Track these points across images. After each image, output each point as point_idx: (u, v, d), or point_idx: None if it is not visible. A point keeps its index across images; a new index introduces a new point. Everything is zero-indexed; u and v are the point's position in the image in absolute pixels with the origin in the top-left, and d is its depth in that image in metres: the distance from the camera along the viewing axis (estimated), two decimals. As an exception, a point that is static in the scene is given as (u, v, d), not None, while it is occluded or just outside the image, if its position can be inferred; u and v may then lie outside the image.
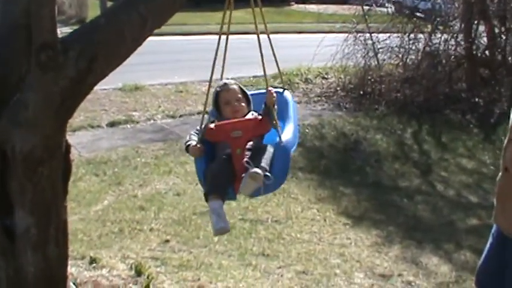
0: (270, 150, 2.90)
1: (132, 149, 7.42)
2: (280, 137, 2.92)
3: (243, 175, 2.76)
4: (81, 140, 7.88)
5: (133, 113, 9.30)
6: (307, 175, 6.66)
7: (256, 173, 2.72)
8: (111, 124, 8.70)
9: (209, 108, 3.12)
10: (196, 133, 3.02)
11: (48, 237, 2.90)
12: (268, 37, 3.01)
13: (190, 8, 22.82)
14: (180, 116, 9.06)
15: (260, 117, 2.98)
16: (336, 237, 5.15)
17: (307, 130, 8.45)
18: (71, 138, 7.74)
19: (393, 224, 5.52)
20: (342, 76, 11.33)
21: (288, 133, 3.00)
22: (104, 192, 5.93)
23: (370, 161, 7.40)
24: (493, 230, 2.76)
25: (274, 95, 2.97)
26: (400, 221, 5.67)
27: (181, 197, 5.84)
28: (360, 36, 11.29)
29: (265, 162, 2.82)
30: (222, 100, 3.03)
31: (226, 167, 2.85)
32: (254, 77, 11.20)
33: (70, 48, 2.53)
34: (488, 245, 2.77)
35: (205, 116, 3.03)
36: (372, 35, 11.33)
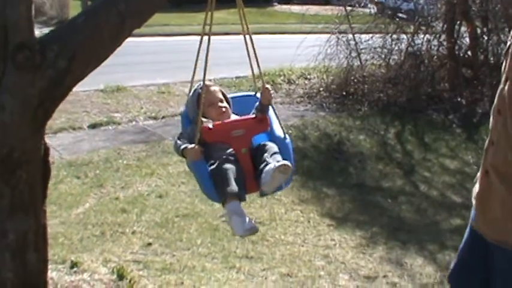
0: (274, 144, 2.87)
1: (114, 151, 7.34)
2: (284, 132, 2.96)
3: (266, 169, 2.69)
4: (62, 142, 7.79)
5: (115, 115, 9.22)
6: (290, 176, 6.63)
7: (286, 165, 2.67)
8: (93, 126, 8.60)
9: (183, 108, 3.10)
10: (184, 136, 2.95)
11: (27, 242, 2.84)
12: (250, 38, 2.99)
13: (171, 9, 22.76)
14: (163, 117, 8.97)
15: (254, 115, 2.96)
16: (320, 239, 5.11)
17: (290, 131, 8.39)
18: (51, 140, 7.75)
19: (377, 225, 5.50)
20: (325, 77, 11.30)
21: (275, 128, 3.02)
22: (85, 195, 5.85)
23: (354, 161, 7.37)
24: (468, 232, 2.71)
25: (272, 92, 2.97)
26: (384, 222, 5.65)
27: (164, 199, 5.78)
28: (342, 36, 11.28)
29: (281, 155, 2.80)
30: (205, 102, 2.88)
31: (236, 168, 2.75)
32: (237, 77, 11.19)
33: (48, 48, 2.47)
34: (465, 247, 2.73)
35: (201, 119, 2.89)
36: (355, 35, 11.32)
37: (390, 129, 8.74)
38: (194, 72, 2.93)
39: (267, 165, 2.70)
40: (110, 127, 8.62)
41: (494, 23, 10.47)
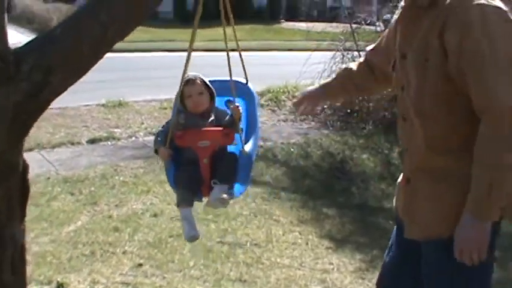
0: (234, 158, 3.10)
1: (111, 167, 7.20)
2: (243, 147, 3.06)
3: (210, 195, 2.98)
4: (60, 157, 7.67)
5: (115, 130, 9.10)
6: (290, 195, 6.46)
7: (223, 199, 2.95)
8: (92, 141, 8.49)
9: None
10: (164, 130, 3.15)
11: (3, 264, 2.68)
12: (240, 54, 3.11)
13: (177, 25, 22.80)
14: (163, 133, 8.83)
15: (222, 128, 3.11)
16: (318, 262, 4.92)
17: (292, 149, 8.25)
18: (49, 154, 7.64)
19: (378, 248, 5.28)
20: (330, 94, 11.14)
21: (251, 137, 3.18)
22: (78, 212, 5.69)
23: (356, 181, 7.20)
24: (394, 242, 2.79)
25: (241, 110, 3.11)
26: (385, 245, 5.34)
27: (158, 218, 5.61)
28: (347, 53, 11.14)
29: (229, 175, 3.03)
30: (185, 94, 3.13)
31: (194, 176, 3.02)
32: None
33: (23, 60, 2.32)
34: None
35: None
36: (360, 52, 11.17)
37: (394, 148, 8.54)
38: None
39: (213, 188, 2.98)
40: (109, 142, 8.50)
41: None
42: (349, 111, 10.25)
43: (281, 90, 11.75)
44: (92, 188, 6.39)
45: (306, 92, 3.08)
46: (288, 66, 13.46)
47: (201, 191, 3.06)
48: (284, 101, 11.34)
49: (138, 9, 2.39)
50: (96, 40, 2.37)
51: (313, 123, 10.01)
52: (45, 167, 7.22)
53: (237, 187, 3.09)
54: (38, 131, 8.50)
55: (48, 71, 2.33)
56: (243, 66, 3.14)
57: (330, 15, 21.18)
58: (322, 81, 3.18)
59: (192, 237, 3.01)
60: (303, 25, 23.86)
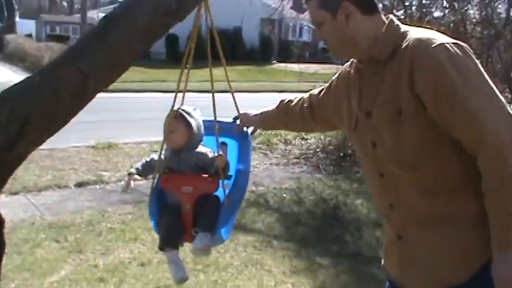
0: (217, 204, 3.02)
1: (99, 212, 7.00)
2: (226, 197, 3.01)
3: (193, 244, 2.93)
4: (46, 201, 7.48)
5: (104, 173, 8.94)
6: (283, 244, 6.26)
7: (204, 249, 2.92)
8: (80, 184, 8.32)
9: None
10: (146, 163, 3.24)
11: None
12: (232, 95, 3.11)
13: (170, 65, 22.74)
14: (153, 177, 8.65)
15: (207, 175, 3.06)
16: (312, 316, 4.73)
17: (284, 194, 8.09)
18: (35, 198, 7.42)
19: (373, 301, 5.11)
20: (322, 137, 11.06)
21: (239, 181, 3.15)
22: (62, 261, 5.47)
23: (350, 228, 7.01)
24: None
25: (225, 159, 3.03)
26: (381, 297, 5.25)
27: (146, 267, 5.39)
28: (340, 96, 11.07)
29: (212, 223, 2.97)
30: (165, 130, 3.06)
31: (176, 221, 2.98)
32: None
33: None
34: None
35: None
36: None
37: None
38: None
39: (195, 238, 2.93)
40: (98, 186, 8.34)
41: (494, 83, 10.20)
42: (342, 154, 10.14)
43: (273, 133, 11.64)
44: (78, 235, 6.18)
45: (243, 114, 3.17)
46: (280, 108, 13.36)
47: (182, 237, 3.04)
48: (276, 144, 11.24)
49: (120, 59, 2.24)
50: (76, 90, 2.22)
51: (305, 167, 9.88)
52: (31, 211, 7.02)
53: (222, 232, 3.05)
54: (25, 173, 8.32)
55: (24, 123, 2.17)
56: (236, 106, 3.12)
57: (322, 57, 21.22)
58: (263, 109, 3.17)
59: (181, 279, 2.95)
60: (294, 66, 23.96)
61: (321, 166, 9.80)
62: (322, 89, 2.84)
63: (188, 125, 3.05)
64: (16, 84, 2.35)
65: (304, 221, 7.22)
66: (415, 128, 2.15)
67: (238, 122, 3.21)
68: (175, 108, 3.05)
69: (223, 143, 3.19)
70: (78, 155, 10.11)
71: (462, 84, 2.06)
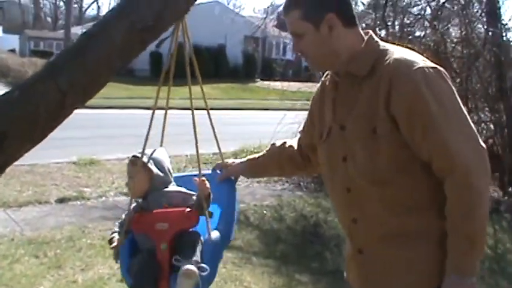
0: (196, 237, 2.65)
1: (79, 228, 6.98)
2: (209, 233, 2.66)
3: (177, 277, 2.48)
4: (26, 217, 7.45)
5: (85, 189, 8.93)
6: (262, 261, 6.28)
7: (190, 270, 2.46)
8: (60, 200, 8.30)
9: None
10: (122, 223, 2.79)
11: None
12: (208, 114, 2.88)
13: (154, 82, 22.76)
14: (134, 193, 8.65)
15: (188, 209, 2.68)
16: (290, 333, 4.74)
17: (265, 211, 8.13)
18: (15, 214, 7.38)
19: (352, 317, 5.13)
20: (304, 155, 11.11)
21: (223, 224, 2.81)
22: (41, 277, 5.45)
23: (330, 245, 7.04)
24: None
25: (208, 185, 2.68)
26: (360, 314, 5.28)
27: (125, 284, 5.37)
28: (322, 114, 11.14)
29: (196, 253, 2.57)
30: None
31: (150, 265, 2.58)
32: (214, 154, 10.93)
33: (-22, 125, 2.19)
34: None
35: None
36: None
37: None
38: (144, 146, 2.77)
39: (178, 267, 2.50)
40: (79, 202, 8.33)
41: (474, 102, 10.35)
42: (323, 172, 10.17)
43: (255, 151, 11.64)
44: (58, 251, 6.16)
45: (229, 164, 3.01)
46: (262, 125, 13.41)
47: (157, 283, 2.58)
48: (258, 161, 11.24)
49: (98, 76, 2.28)
50: (54, 106, 2.24)
51: (286, 184, 9.92)
52: (10, 226, 6.99)
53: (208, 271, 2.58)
54: (5, 189, 8.30)
55: (2, 138, 2.20)
56: (213, 127, 2.90)
57: (305, 75, 21.31)
58: (251, 156, 3.03)
59: None
60: (278, 84, 24.08)
61: (302, 184, 9.85)
62: (304, 125, 2.77)
63: (146, 168, 2.77)
64: (-5, 99, 2.38)
65: (284, 237, 7.25)
66: (390, 145, 2.17)
67: (219, 171, 2.99)
68: (134, 154, 2.83)
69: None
70: (60, 171, 10.10)
71: (437, 109, 2.09)
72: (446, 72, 2.18)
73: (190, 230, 2.68)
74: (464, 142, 2.10)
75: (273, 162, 2.91)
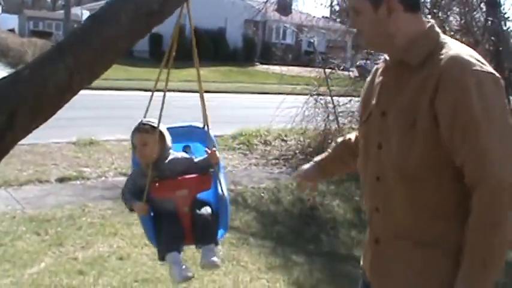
0: (210, 213, 3.08)
1: (79, 207, 7.09)
2: (223, 192, 3.09)
3: (201, 258, 3.00)
4: (27, 195, 7.55)
5: (85, 169, 9.02)
6: (259, 241, 6.39)
7: (214, 262, 2.99)
8: (61, 180, 8.40)
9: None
10: (129, 183, 3.14)
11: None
12: (201, 96, 3.08)
13: (153, 64, 22.77)
14: (133, 174, 8.75)
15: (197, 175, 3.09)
16: (285, 311, 4.86)
17: (262, 194, 8.24)
18: (16, 192, 7.48)
19: (346, 297, 5.26)
20: (302, 139, 11.21)
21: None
22: (42, 253, 5.56)
23: (326, 228, 7.17)
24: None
25: (218, 155, 3.07)
26: (353, 294, 5.40)
27: (125, 261, 5.51)
28: (320, 99, 11.23)
29: (211, 235, 3.05)
30: (132, 144, 3.11)
31: (176, 227, 3.00)
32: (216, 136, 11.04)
33: (-12, 102, 2.28)
34: None
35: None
36: (333, 98, 11.26)
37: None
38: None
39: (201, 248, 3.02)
40: (78, 182, 8.43)
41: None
42: (320, 156, 10.26)
43: (253, 134, 11.78)
44: (58, 229, 6.27)
45: (302, 173, 2.95)
46: (261, 109, 13.53)
47: (183, 241, 3.03)
48: (256, 144, 11.35)
49: (105, 56, 2.37)
50: (62, 85, 2.34)
51: (284, 168, 10.02)
52: (12, 205, 7.10)
53: (219, 232, 3.11)
54: (6, 168, 8.38)
55: (12, 114, 2.29)
56: (204, 109, 3.07)
57: (305, 60, 21.37)
58: (318, 158, 2.94)
59: (186, 278, 2.98)
60: (277, 68, 24.16)
61: (299, 167, 9.93)
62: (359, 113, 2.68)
63: (162, 136, 3.07)
64: (4, 78, 2.47)
65: (281, 220, 7.37)
66: (426, 142, 2.10)
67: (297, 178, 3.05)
68: (138, 123, 3.07)
69: (187, 146, 3.27)
70: (60, 151, 10.18)
71: (481, 114, 2.00)
72: (502, 80, 2.10)
73: (202, 201, 3.11)
74: (503, 154, 2.00)
75: (337, 159, 2.87)
